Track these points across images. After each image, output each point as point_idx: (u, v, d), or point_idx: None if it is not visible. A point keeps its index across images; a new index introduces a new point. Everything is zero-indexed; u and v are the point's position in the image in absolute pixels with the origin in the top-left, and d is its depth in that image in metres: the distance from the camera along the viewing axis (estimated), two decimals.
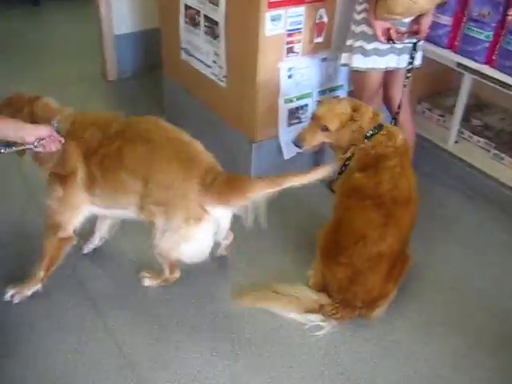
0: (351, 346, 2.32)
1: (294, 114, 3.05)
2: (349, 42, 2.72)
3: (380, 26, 2.55)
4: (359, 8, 2.63)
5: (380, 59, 2.67)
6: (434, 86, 3.74)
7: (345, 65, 2.79)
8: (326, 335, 2.34)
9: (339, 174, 2.48)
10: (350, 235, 2.34)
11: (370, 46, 2.64)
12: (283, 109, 2.99)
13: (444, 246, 2.85)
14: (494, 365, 2.27)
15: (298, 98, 3.01)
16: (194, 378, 2.16)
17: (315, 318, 2.38)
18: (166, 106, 3.83)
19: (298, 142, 2.49)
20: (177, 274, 2.50)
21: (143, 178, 2.17)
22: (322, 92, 3.09)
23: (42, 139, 2.10)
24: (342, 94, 3.17)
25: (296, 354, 2.28)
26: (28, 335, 2.29)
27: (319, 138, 2.45)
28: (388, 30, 2.56)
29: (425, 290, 2.60)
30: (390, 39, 2.58)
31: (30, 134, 2.09)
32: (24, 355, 2.21)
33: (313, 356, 2.27)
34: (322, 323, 2.37)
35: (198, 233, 2.21)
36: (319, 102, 2.51)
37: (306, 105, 3.06)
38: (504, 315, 2.49)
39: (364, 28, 2.62)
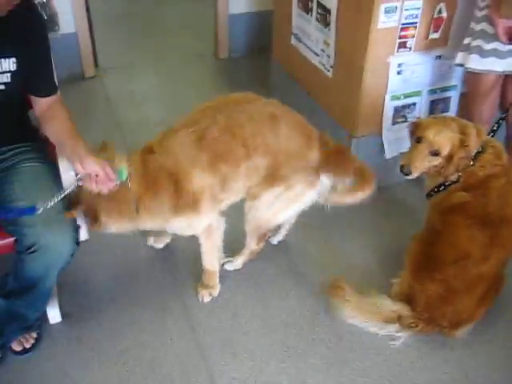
0: (427, 363, 2.20)
1: (399, 113, 2.90)
2: (466, 41, 2.53)
3: (502, 24, 2.34)
4: (482, 4, 2.44)
5: (499, 61, 2.46)
6: None
7: (460, 65, 2.60)
8: (401, 347, 2.24)
9: (435, 192, 2.34)
10: (449, 252, 2.20)
11: (488, 46, 2.44)
12: (389, 106, 2.86)
13: None
14: None
15: (406, 96, 2.86)
16: (261, 371, 2.16)
17: (392, 329, 2.27)
18: (272, 88, 3.79)
19: (406, 169, 2.28)
20: (262, 244, 2.51)
21: (274, 153, 2.15)
22: (433, 91, 2.91)
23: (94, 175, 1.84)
24: (454, 95, 2.98)
25: (367, 361, 2.21)
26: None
27: (429, 164, 2.27)
28: (511, 29, 2.36)
29: None
30: None
31: (83, 164, 1.82)
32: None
33: (385, 365, 2.19)
34: (397, 334, 2.26)
35: (308, 197, 2.27)
36: (420, 123, 2.30)
37: (414, 104, 2.90)
38: None
39: (484, 26, 2.43)
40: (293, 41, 3.34)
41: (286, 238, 2.73)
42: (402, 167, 2.30)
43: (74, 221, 1.97)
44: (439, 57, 2.80)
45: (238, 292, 2.48)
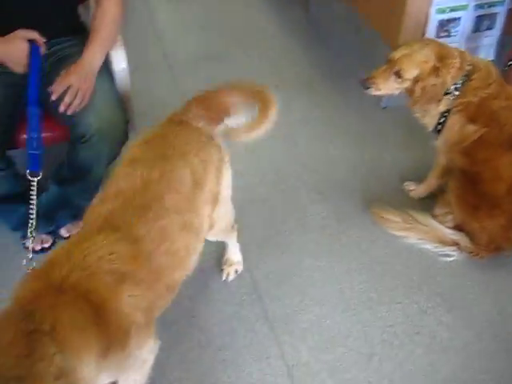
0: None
1: (443, 27, 2.86)
2: None
3: None
4: None
5: None
6: None
7: None
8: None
9: (438, 131, 2.31)
10: (498, 186, 2.21)
11: None
12: (434, 19, 2.81)
13: None
14: None
15: (452, 10, 2.81)
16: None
17: (450, 250, 2.34)
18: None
19: (365, 84, 2.23)
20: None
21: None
22: (480, 6, 2.85)
23: None
24: (501, 10, 2.91)
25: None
26: None
27: (391, 86, 2.22)
28: None
29: None
30: None
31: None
32: None
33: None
34: (453, 253, 2.34)
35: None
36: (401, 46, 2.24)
37: (459, 18, 2.85)
38: None
39: None
40: None
41: None
42: (362, 82, 2.25)
43: (124, 112, 2.05)
44: None
45: None
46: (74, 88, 1.89)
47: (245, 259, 2.30)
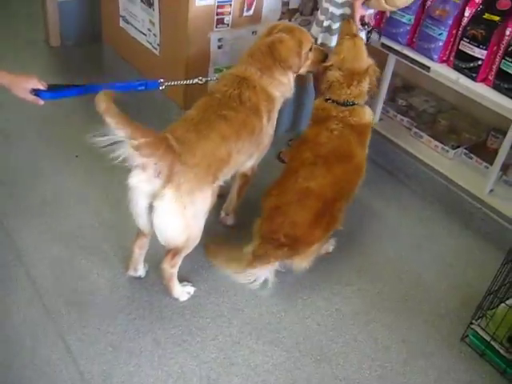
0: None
1: None
2: (326, 23, 2.85)
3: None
4: None
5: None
6: None
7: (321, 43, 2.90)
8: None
9: None
10: (285, 173, 2.55)
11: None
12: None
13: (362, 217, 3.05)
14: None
15: (228, 68, 3.12)
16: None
17: (252, 273, 2.47)
18: (106, 71, 3.89)
19: None
20: None
21: None
22: None
23: None
24: None
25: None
26: None
27: None
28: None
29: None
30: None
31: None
32: None
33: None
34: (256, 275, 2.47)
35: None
36: None
37: None
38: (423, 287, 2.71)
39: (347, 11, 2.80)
40: (121, 23, 3.47)
41: None
42: None
43: None
44: (255, 32, 3.10)
45: None
46: None
47: (55, 325, 2.28)
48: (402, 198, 3.27)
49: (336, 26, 2.82)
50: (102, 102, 1.95)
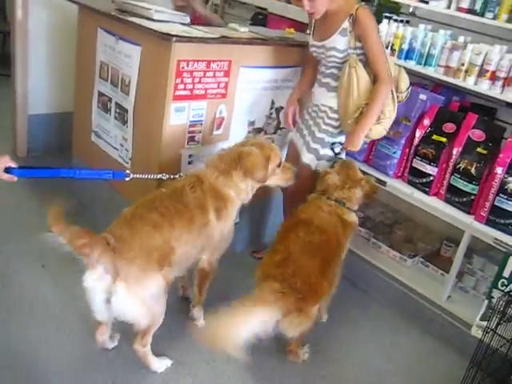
0: None
1: None
2: (322, 152, 3.15)
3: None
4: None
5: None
6: None
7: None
8: None
9: None
10: (282, 234, 2.76)
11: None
12: None
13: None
14: None
15: None
16: None
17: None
18: (73, 183, 3.96)
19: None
20: None
21: None
22: None
23: None
24: None
25: None
26: None
27: None
28: None
29: None
30: None
31: None
32: None
33: None
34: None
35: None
36: None
37: None
38: None
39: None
40: (93, 138, 3.62)
41: None
42: None
43: None
44: (223, 149, 3.28)
45: None
46: None
47: None
48: (365, 305, 3.38)
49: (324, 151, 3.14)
50: (51, 216, 2.22)
